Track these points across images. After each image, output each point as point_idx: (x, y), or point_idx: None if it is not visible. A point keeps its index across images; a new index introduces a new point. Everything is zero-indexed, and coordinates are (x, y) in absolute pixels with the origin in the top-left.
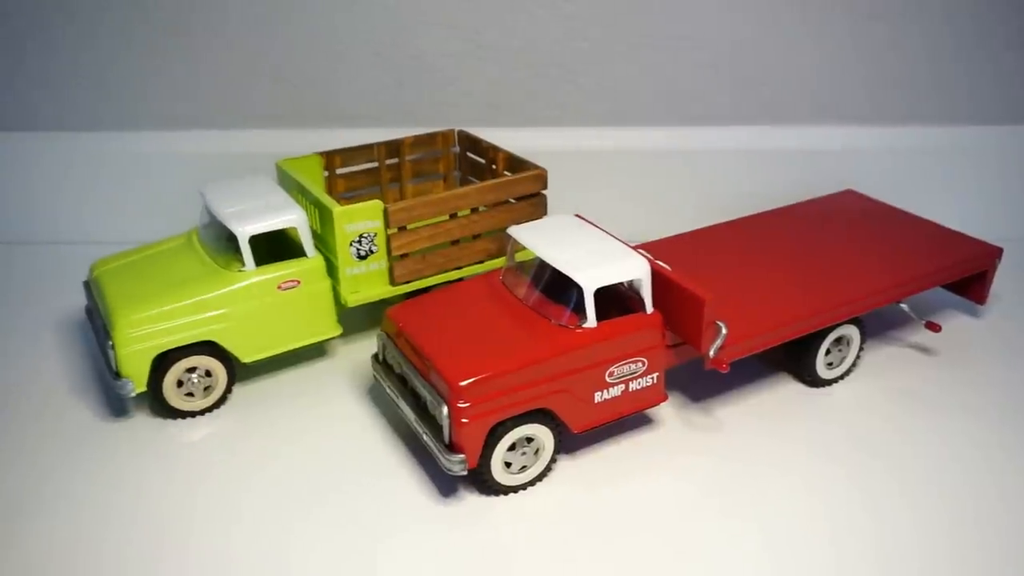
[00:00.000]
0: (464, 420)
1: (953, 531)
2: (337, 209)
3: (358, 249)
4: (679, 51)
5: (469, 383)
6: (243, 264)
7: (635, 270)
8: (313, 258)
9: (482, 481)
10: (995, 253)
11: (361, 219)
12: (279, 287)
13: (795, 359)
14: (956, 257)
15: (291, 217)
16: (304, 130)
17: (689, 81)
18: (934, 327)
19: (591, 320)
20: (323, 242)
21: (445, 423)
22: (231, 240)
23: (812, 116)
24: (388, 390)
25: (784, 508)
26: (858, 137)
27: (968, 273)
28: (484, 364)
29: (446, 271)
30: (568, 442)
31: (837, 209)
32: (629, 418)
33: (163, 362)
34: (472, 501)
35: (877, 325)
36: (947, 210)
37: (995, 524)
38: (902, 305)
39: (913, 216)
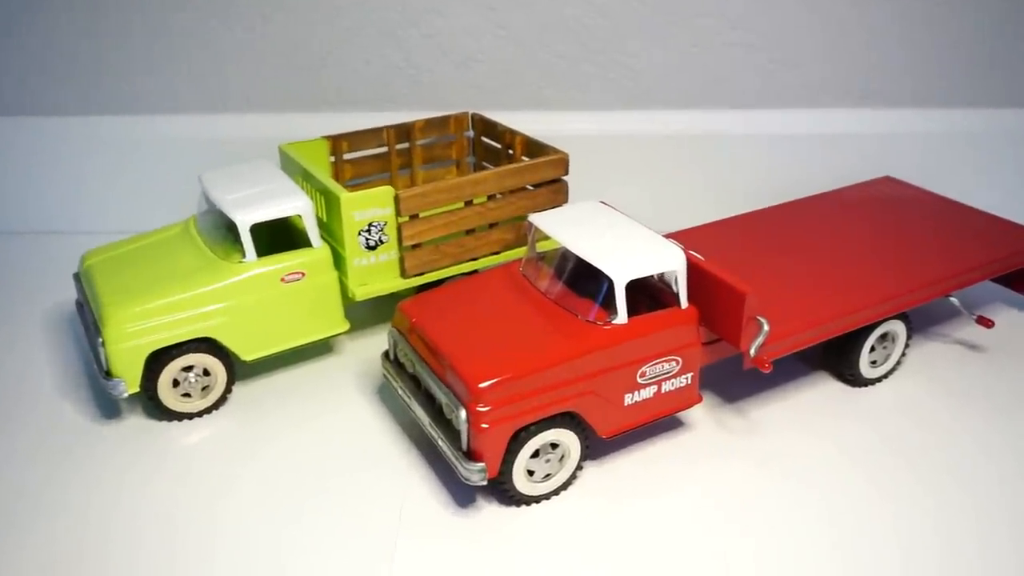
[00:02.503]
0: (484, 425)
1: (998, 549)
2: (344, 195)
3: (367, 239)
4: (707, 30)
5: (489, 385)
6: (244, 255)
7: (670, 261)
8: (319, 248)
9: (503, 491)
10: None
11: (370, 206)
12: (282, 280)
13: (836, 356)
14: (1009, 247)
15: (295, 204)
16: (310, 114)
17: (717, 62)
18: (986, 322)
19: (622, 316)
20: (329, 231)
21: (463, 428)
22: (231, 229)
23: (846, 99)
24: (400, 391)
25: (825, 522)
26: (895, 121)
27: (1021, 264)
28: (506, 364)
29: (461, 262)
30: (595, 448)
31: (875, 197)
32: (660, 421)
33: (158, 360)
34: (491, 512)
35: (921, 320)
36: (989, 197)
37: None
38: (952, 299)
39: (957, 203)
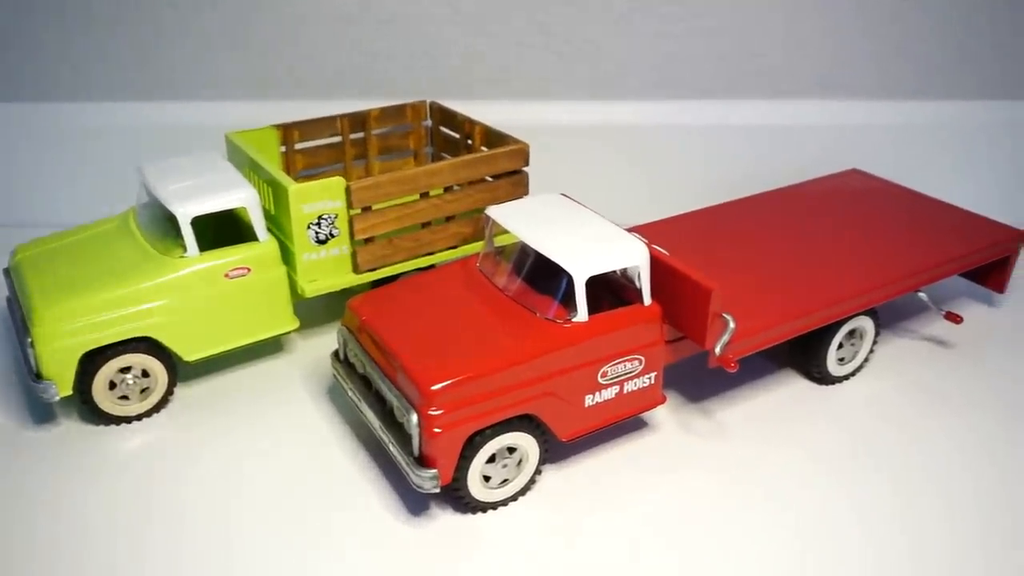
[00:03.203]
0: (437, 430)
1: (977, 549)
2: (292, 187)
3: (317, 232)
4: (671, 18)
5: (442, 387)
6: (185, 249)
7: (632, 256)
8: (265, 242)
9: (457, 497)
10: (1018, 237)
11: (320, 198)
12: (226, 275)
13: (803, 354)
14: (978, 242)
15: (240, 196)
16: (260, 101)
17: (684, 51)
18: (955, 318)
19: (582, 313)
20: (277, 225)
21: (414, 433)
22: (171, 222)
23: (815, 90)
24: (350, 393)
25: (790, 524)
26: (863, 112)
27: (991, 259)
28: (460, 364)
29: (416, 257)
30: (555, 451)
31: (843, 190)
32: (622, 423)
33: (92, 361)
34: (446, 520)
35: (890, 315)
36: (958, 190)
37: (1016, 540)
38: (920, 294)
39: (925, 196)
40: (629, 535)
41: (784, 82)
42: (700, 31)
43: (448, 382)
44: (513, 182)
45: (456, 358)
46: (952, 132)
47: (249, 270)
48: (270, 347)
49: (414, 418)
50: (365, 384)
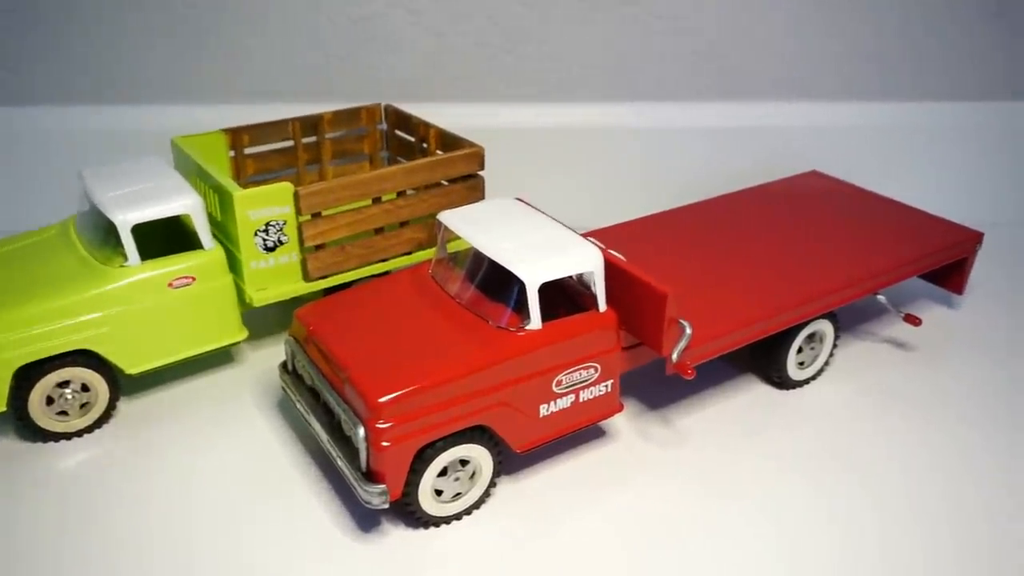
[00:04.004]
0: (385, 443)
1: (940, 550)
2: (238, 193)
3: (264, 239)
4: (631, 19)
5: (390, 399)
6: (126, 258)
7: (586, 262)
8: (210, 250)
9: (409, 512)
10: (975, 239)
11: (267, 204)
12: (170, 285)
13: (763, 358)
14: (936, 243)
15: (183, 203)
16: (211, 105)
17: (642, 53)
18: (913, 320)
19: (535, 321)
20: (224, 232)
21: (362, 447)
22: (112, 231)
23: (773, 91)
24: (298, 405)
25: (754, 533)
26: (822, 114)
27: (948, 261)
28: (409, 375)
29: (370, 264)
30: (510, 463)
31: (802, 192)
32: (579, 432)
33: (28, 376)
34: (398, 536)
35: (849, 318)
36: (917, 192)
37: (981, 538)
38: (879, 297)
39: (885, 198)
40: (589, 547)
41: (744, 83)
42: (659, 33)
43: (396, 394)
44: (468, 186)
45: (405, 369)
46: (911, 133)
47: (194, 279)
48: (219, 358)
49: (361, 431)
50: (314, 396)
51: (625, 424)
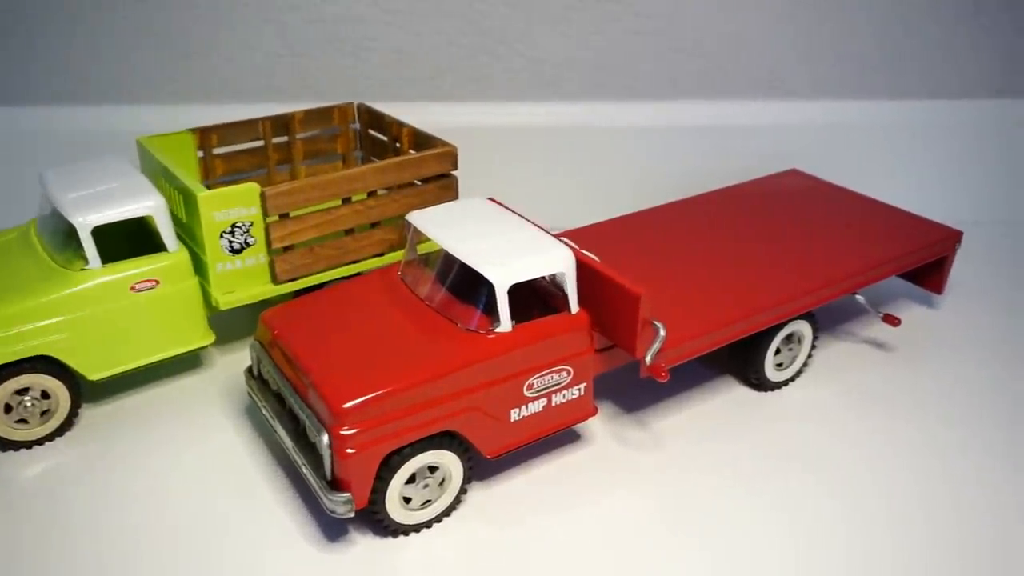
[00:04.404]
0: (349, 450)
1: (920, 551)
2: (202, 193)
3: (231, 241)
4: (609, 16)
5: (355, 404)
6: (86, 262)
7: (556, 263)
8: (174, 253)
9: (376, 520)
10: (955, 237)
11: (233, 205)
12: (132, 288)
13: (740, 360)
14: (915, 242)
15: (145, 204)
16: (178, 104)
17: (621, 51)
18: (892, 320)
19: (505, 323)
20: (190, 234)
21: (326, 454)
22: (73, 233)
23: (752, 89)
24: (264, 411)
25: (732, 537)
26: (802, 112)
27: (928, 260)
28: (374, 380)
29: (340, 265)
30: (481, 468)
31: (781, 190)
32: (553, 436)
33: None
34: (365, 545)
35: (828, 319)
36: (897, 190)
37: (960, 539)
38: (858, 297)
39: (864, 197)
40: (563, 554)
41: (724, 82)
42: (638, 31)
43: (361, 399)
44: (441, 186)
45: (371, 373)
46: (891, 132)
47: (157, 282)
48: (186, 363)
49: (325, 438)
50: (279, 402)
51: (600, 427)
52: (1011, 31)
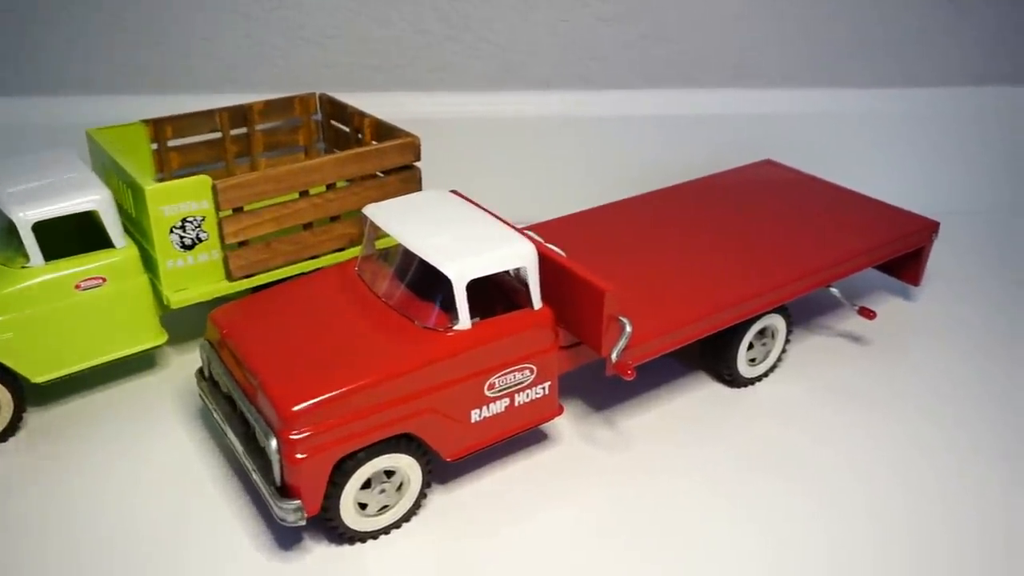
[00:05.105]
0: (299, 455)
1: (899, 547)
2: (149, 187)
3: (181, 237)
4: (575, 4)
5: (305, 407)
6: (28, 259)
7: (517, 257)
8: (122, 249)
9: (331, 527)
10: (932, 228)
11: (183, 199)
12: (77, 286)
13: (712, 355)
14: (891, 233)
15: (89, 199)
16: (133, 95)
17: (588, 38)
18: (868, 313)
19: (464, 320)
20: (140, 229)
21: (275, 459)
22: (14, 229)
23: (725, 78)
24: (215, 414)
25: (707, 540)
26: (776, 101)
27: (904, 251)
28: (325, 381)
29: (299, 261)
30: (442, 471)
31: (755, 181)
32: (518, 437)
33: None
34: (321, 553)
35: (803, 313)
36: (872, 180)
37: (941, 534)
38: (832, 290)
39: (839, 187)
40: (529, 559)
41: (695, 70)
42: (606, 17)
43: (312, 401)
44: (404, 178)
45: (322, 374)
46: (867, 121)
47: (104, 280)
48: (140, 363)
49: (273, 443)
50: (230, 404)
51: (568, 427)
52: (988, 17)
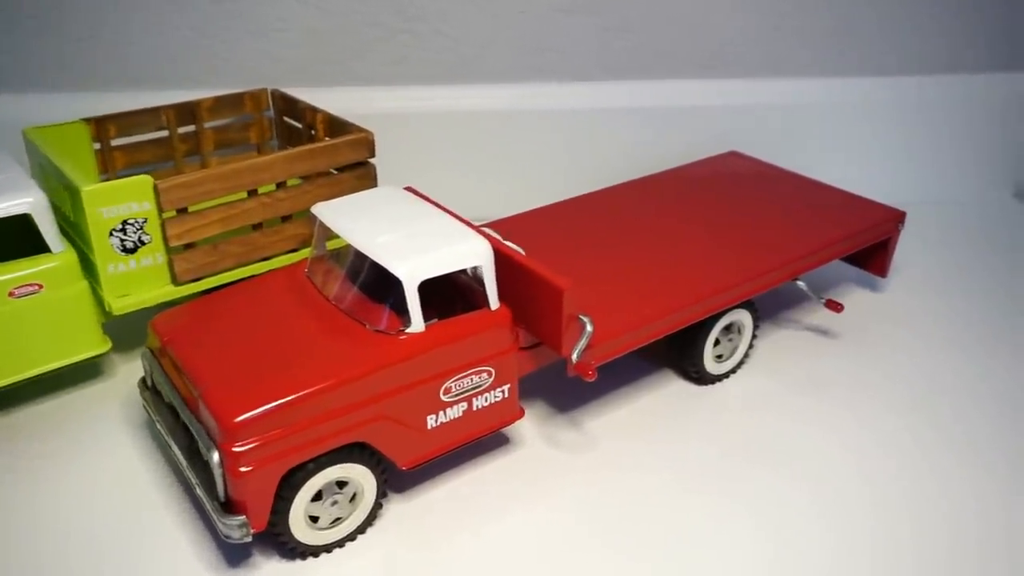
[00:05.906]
0: (243, 469)
1: (867, 541)
2: (86, 188)
3: (122, 240)
4: None
5: (248, 417)
6: None
7: (472, 256)
8: (59, 254)
9: (281, 542)
10: (898, 218)
11: (123, 200)
12: (11, 294)
13: (678, 352)
14: (857, 224)
15: (22, 201)
16: (74, 93)
17: (547, 30)
18: (835, 306)
19: (417, 323)
20: (79, 233)
21: (217, 473)
22: None
23: (688, 69)
24: (158, 425)
25: (674, 539)
26: (740, 92)
27: (871, 242)
28: (271, 389)
29: (249, 263)
30: (399, 479)
31: (719, 173)
32: (479, 441)
33: None
34: (270, 569)
35: (770, 307)
36: (839, 171)
37: (911, 528)
38: (799, 283)
39: (805, 178)
40: (493, 569)
41: (657, 61)
42: (568, 8)
43: (255, 412)
44: (358, 175)
45: (267, 382)
46: (832, 111)
47: (41, 287)
48: (85, 372)
49: (216, 456)
50: (173, 415)
51: (531, 429)
52: (955, 5)
